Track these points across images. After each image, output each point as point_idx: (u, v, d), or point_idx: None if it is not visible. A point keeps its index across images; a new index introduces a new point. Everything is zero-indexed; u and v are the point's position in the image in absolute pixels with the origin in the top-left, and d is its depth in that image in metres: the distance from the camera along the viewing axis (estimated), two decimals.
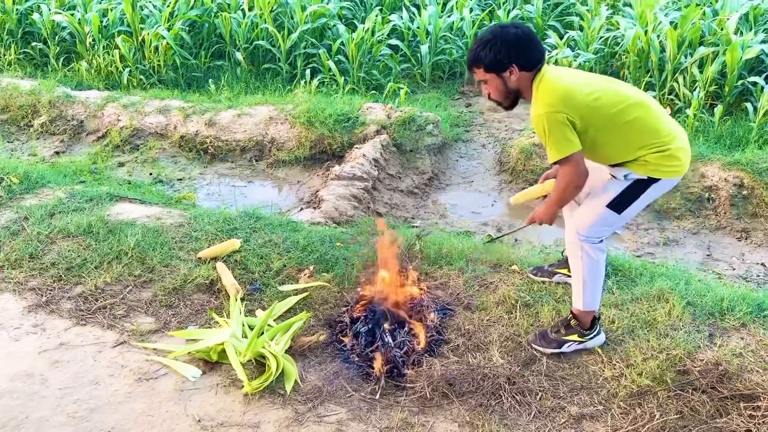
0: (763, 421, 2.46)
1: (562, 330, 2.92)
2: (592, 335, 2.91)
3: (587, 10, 7.38)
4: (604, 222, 2.72)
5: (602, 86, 2.61)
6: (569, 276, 3.16)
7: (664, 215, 4.80)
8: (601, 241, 2.76)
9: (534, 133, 5.54)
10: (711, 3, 6.81)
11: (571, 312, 2.92)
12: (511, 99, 2.71)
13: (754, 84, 5.64)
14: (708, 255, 4.40)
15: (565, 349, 2.91)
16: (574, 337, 2.90)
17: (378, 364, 2.84)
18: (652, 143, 2.59)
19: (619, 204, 2.69)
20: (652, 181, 2.65)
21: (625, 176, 2.67)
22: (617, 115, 2.57)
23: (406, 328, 3.06)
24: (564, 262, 3.35)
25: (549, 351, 2.92)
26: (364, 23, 7.22)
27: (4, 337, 3.11)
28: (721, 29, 5.98)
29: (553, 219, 2.88)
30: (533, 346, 2.96)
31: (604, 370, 2.80)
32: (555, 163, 2.63)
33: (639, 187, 2.67)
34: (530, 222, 2.96)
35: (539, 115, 2.56)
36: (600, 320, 2.98)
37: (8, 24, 7.90)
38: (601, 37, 6.89)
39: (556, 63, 6.72)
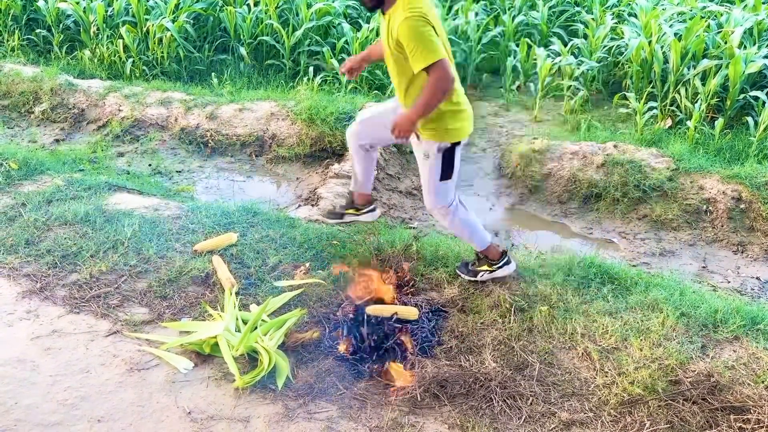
0: None
1: (477, 262, 3.40)
2: (500, 264, 3.33)
3: (592, 19, 7.39)
4: (444, 191, 3.05)
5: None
6: (357, 215, 3.70)
7: (660, 226, 4.81)
8: (453, 201, 3.10)
9: (534, 138, 5.54)
10: (716, 16, 6.82)
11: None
12: (375, 1, 2.87)
13: (756, 98, 5.65)
14: (703, 267, 4.41)
15: (479, 278, 3.38)
16: (485, 267, 3.37)
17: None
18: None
19: (444, 173, 3.03)
20: (455, 146, 3.00)
21: (437, 149, 2.94)
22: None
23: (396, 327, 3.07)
24: (351, 203, 3.69)
25: (467, 278, 3.40)
26: (369, 23, 7.22)
27: None
28: (725, 43, 5.99)
29: (413, 130, 2.89)
30: (457, 272, 3.45)
31: (595, 378, 2.80)
32: (424, 69, 2.71)
33: (448, 154, 2.99)
34: (392, 133, 2.89)
35: (406, 19, 2.69)
36: (509, 253, 3.40)
37: (13, 10, 7.89)
38: (605, 46, 6.89)
39: (559, 70, 6.73)
